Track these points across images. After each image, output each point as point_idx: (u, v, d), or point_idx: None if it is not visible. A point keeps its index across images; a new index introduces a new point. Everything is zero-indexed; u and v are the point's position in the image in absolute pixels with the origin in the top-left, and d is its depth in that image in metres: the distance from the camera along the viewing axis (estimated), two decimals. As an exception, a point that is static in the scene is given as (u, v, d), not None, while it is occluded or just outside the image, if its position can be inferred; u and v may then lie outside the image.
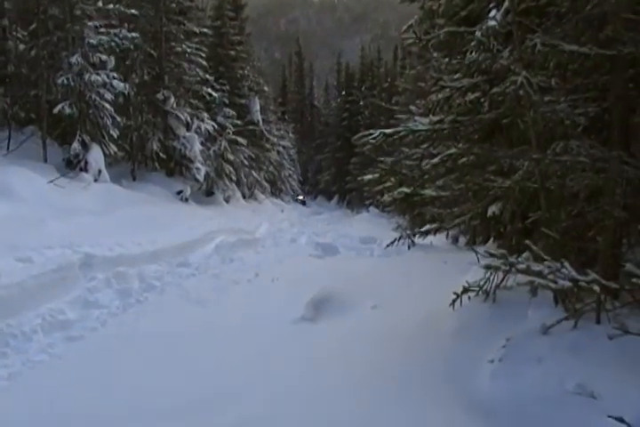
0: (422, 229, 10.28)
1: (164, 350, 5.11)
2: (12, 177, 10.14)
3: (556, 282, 3.12)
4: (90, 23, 14.47)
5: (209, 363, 4.75)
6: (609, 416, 2.82)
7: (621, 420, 2.72)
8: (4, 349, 4.96)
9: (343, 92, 48.18)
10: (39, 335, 5.39)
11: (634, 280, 2.83)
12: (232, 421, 3.62)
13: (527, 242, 3.79)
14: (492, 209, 6.45)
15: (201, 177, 19.02)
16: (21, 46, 14.49)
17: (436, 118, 6.30)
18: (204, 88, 20.87)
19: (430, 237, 11.80)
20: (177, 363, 4.77)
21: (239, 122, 24.66)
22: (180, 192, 17.99)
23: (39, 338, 5.34)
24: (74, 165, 13.78)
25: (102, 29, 14.88)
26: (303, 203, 44.78)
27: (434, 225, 9.88)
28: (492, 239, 8.88)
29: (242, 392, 4.10)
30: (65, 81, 13.71)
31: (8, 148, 12.91)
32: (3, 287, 5.67)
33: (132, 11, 16.18)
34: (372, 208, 28.90)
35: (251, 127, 27.29)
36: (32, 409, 3.90)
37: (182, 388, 4.21)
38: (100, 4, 15.32)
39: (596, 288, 3.09)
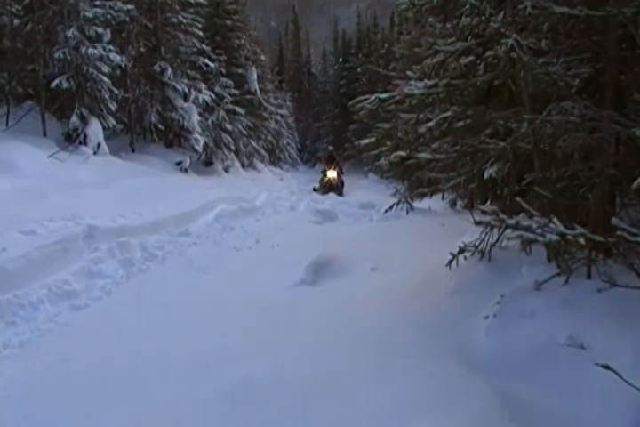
0: (420, 191, 10.38)
1: (168, 316, 5.25)
2: (12, 152, 10.19)
3: (544, 236, 3.22)
4: (84, -4, 14.34)
5: (213, 326, 4.89)
6: (596, 364, 2.94)
7: (607, 367, 2.84)
8: (14, 318, 5.11)
9: (340, 60, 47.75)
10: (46, 305, 5.53)
11: (618, 233, 2.93)
12: (237, 379, 3.75)
13: (518, 199, 3.88)
14: (489, 172, 6.52)
15: (200, 147, 18.98)
16: (16, 21, 14.35)
17: (430, 82, 6.33)
18: (201, 59, 20.71)
19: (428, 202, 11.90)
20: (181, 327, 4.91)
21: (237, 92, 24.51)
22: (179, 163, 17.99)
23: (46, 308, 5.49)
24: (73, 139, 13.78)
25: (97, 2, 14.73)
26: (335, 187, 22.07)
27: (431, 188, 9.96)
28: (488, 202, 8.96)
29: (245, 352, 4.23)
30: (61, 55, 13.64)
31: (7, 123, 12.91)
32: (10, 260, 5.77)
33: (127, -18, 16.06)
34: (370, 175, 28.89)
35: (248, 97, 27.13)
36: (45, 373, 4.05)
37: (187, 350, 4.35)
38: (94, -24, 15.17)
39: (582, 241, 3.20)
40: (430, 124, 6.43)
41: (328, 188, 22.09)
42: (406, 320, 4.64)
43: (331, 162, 23.39)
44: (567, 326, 3.71)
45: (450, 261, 5.23)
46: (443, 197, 12.56)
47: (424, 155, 6.31)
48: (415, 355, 4.01)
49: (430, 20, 12.46)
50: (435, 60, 7.19)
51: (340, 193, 21.81)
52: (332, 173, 22.44)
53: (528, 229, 3.30)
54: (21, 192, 8.48)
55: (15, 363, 4.28)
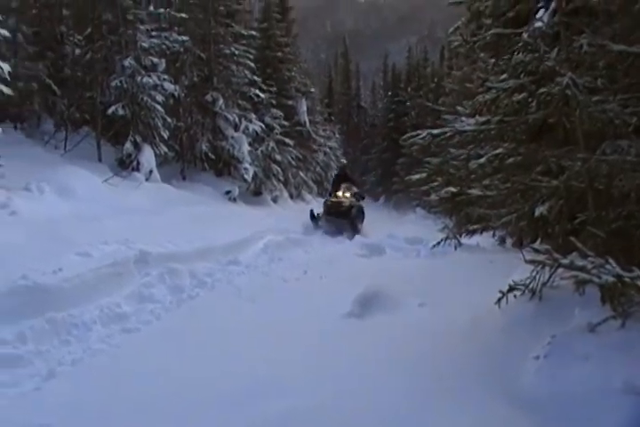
0: (469, 228, 10.30)
1: (216, 343, 5.30)
2: (69, 176, 10.56)
3: (599, 277, 3.18)
4: (142, 27, 14.89)
5: (260, 356, 4.90)
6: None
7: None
8: (68, 337, 5.27)
9: (389, 93, 48.14)
10: (98, 326, 5.68)
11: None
12: (281, 409, 3.75)
13: (572, 238, 3.84)
14: (540, 210, 6.46)
15: (249, 177, 19.27)
16: (77, 51, 15.01)
17: (482, 119, 6.35)
18: (252, 89, 21.14)
19: (477, 238, 11.76)
20: (229, 355, 4.95)
21: (286, 123, 24.90)
22: (228, 192, 18.26)
23: (98, 329, 5.63)
24: (126, 165, 14.19)
25: (153, 33, 15.30)
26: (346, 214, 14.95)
27: (481, 225, 9.89)
28: (539, 240, 8.85)
29: (292, 383, 4.23)
30: (118, 83, 14.16)
31: (65, 148, 13.39)
32: (65, 280, 5.97)
33: (182, 14, 16.64)
34: (418, 209, 28.73)
35: (298, 128, 27.52)
36: (97, 392, 4.13)
37: (235, 379, 4.38)
38: (152, 8, 15.80)
39: (640, 284, 3.15)
40: (481, 160, 6.43)
41: (334, 214, 15.14)
42: (454, 358, 4.59)
43: (343, 181, 16.29)
44: (623, 370, 3.62)
45: (499, 300, 5.16)
46: (494, 235, 12.40)
47: (475, 191, 6.31)
48: (463, 393, 3.97)
49: (482, 55, 12.51)
50: (487, 96, 7.20)
51: (354, 229, 14.97)
52: (342, 197, 15.50)
53: (582, 269, 3.27)
54: (77, 216, 8.75)
55: (68, 381, 4.37)
